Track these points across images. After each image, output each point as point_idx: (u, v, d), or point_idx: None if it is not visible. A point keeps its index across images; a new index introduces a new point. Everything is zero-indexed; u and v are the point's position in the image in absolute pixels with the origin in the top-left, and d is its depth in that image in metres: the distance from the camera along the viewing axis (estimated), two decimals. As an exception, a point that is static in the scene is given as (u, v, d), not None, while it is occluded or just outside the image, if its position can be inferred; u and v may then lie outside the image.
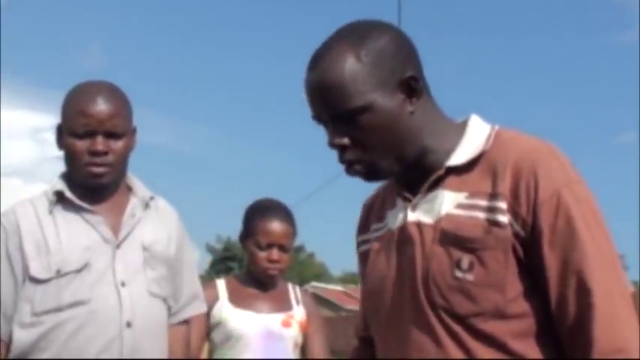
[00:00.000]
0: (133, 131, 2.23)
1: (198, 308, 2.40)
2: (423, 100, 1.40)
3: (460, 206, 1.36)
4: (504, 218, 1.31)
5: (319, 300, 31.49)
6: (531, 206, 1.30)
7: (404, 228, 1.43)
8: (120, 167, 2.18)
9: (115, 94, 2.18)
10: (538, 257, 1.31)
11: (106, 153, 2.11)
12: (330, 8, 76.98)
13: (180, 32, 77.07)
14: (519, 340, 1.32)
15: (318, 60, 1.39)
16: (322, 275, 52.04)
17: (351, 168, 1.41)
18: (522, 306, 1.32)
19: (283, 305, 2.86)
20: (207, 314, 2.70)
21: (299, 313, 2.87)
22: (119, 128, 2.13)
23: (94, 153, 2.10)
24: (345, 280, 49.92)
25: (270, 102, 76.23)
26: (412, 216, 1.41)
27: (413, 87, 1.38)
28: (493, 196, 1.33)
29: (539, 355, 1.32)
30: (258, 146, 78.53)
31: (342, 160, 1.41)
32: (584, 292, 1.28)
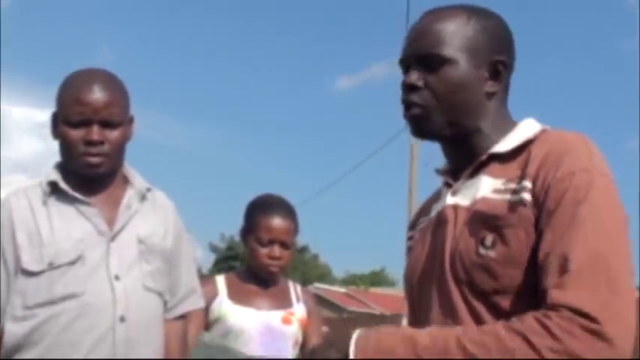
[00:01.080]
0: (130, 121, 2.18)
1: (195, 303, 2.35)
2: (501, 92, 1.47)
3: (496, 191, 1.39)
4: (528, 197, 1.33)
5: (322, 301, 31.46)
6: (546, 184, 1.31)
7: (442, 211, 1.47)
8: (116, 157, 2.12)
9: (111, 82, 2.12)
10: (541, 231, 1.30)
11: (101, 142, 2.06)
12: (337, 8, 77.04)
13: (188, 34, 77.21)
14: None
15: (432, 11, 1.50)
16: (326, 276, 51.99)
17: (409, 110, 1.46)
18: None
19: (283, 302, 2.82)
20: (206, 310, 2.67)
21: (299, 310, 2.83)
22: (115, 117, 2.08)
23: (89, 142, 2.05)
24: (348, 281, 49.92)
25: (276, 101, 76.32)
26: (451, 200, 1.46)
27: (499, 70, 1.45)
28: (522, 177, 1.36)
29: None
30: (263, 145, 78.66)
31: (404, 100, 1.47)
32: (568, 258, 1.25)
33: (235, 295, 2.77)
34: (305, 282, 35.72)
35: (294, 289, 2.91)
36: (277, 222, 2.76)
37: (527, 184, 1.34)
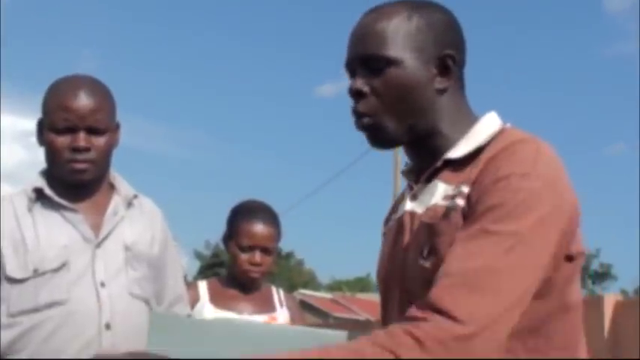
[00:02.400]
0: (117, 127, 2.17)
1: (182, 310, 2.33)
2: (454, 86, 1.41)
3: (446, 197, 1.33)
4: (462, 202, 1.28)
5: (308, 307, 31.42)
6: (481, 189, 1.25)
7: (400, 217, 1.43)
8: (102, 164, 2.11)
9: (97, 88, 2.11)
10: None
11: (87, 149, 2.05)
12: (320, 14, 77.14)
13: (172, 38, 77.02)
14: None
15: (372, 10, 1.42)
16: (311, 282, 51.94)
17: (360, 120, 1.40)
18: None
19: (266, 307, 2.81)
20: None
21: (282, 315, 2.82)
22: (101, 124, 2.07)
23: (75, 149, 2.04)
24: (334, 287, 49.88)
25: (262, 108, 76.25)
26: (409, 206, 1.41)
27: (447, 66, 1.38)
28: (463, 182, 1.30)
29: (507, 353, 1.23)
30: (248, 152, 78.53)
31: (354, 111, 1.40)
32: (449, 265, 1.20)
33: (217, 300, 2.76)
34: (290, 288, 35.67)
35: (278, 294, 2.90)
36: (259, 228, 2.75)
37: (465, 188, 1.28)
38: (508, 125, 1.39)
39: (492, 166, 1.27)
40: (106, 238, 2.09)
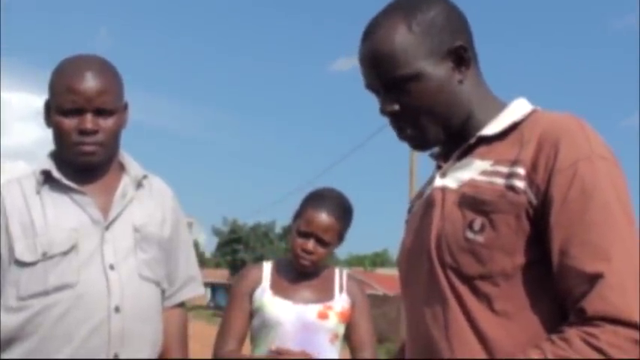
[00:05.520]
0: (125, 107, 2.13)
1: (194, 290, 2.32)
2: (472, 70, 1.46)
3: (484, 173, 1.38)
4: (521, 184, 1.32)
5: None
6: (547, 174, 1.30)
7: (430, 194, 1.47)
8: (111, 146, 2.08)
9: (104, 69, 2.07)
10: (546, 226, 1.29)
11: (95, 132, 2.02)
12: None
13: (186, 15, 76.83)
14: (523, 308, 1.31)
15: (371, 32, 1.46)
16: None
17: (402, 133, 1.47)
18: (531, 275, 1.31)
19: (323, 295, 2.76)
20: (250, 297, 2.72)
21: (339, 303, 2.76)
22: (109, 105, 2.03)
23: (83, 132, 2.01)
24: (351, 262, 50.00)
25: (275, 83, 76.06)
26: (439, 182, 1.46)
27: (462, 56, 1.43)
28: (514, 162, 1.34)
29: (542, 326, 1.30)
30: (265, 128, 78.52)
31: (393, 126, 1.48)
32: (589, 264, 1.24)
33: (276, 287, 2.74)
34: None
35: (340, 279, 2.83)
36: (321, 217, 2.69)
37: (520, 170, 1.33)
38: (539, 108, 1.45)
39: (549, 150, 1.31)
40: (114, 220, 2.07)
